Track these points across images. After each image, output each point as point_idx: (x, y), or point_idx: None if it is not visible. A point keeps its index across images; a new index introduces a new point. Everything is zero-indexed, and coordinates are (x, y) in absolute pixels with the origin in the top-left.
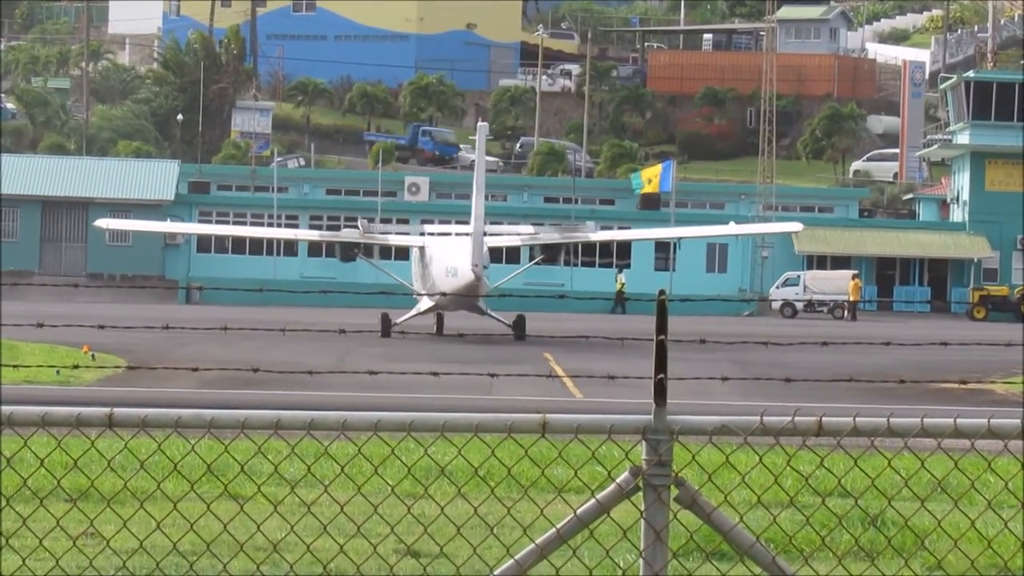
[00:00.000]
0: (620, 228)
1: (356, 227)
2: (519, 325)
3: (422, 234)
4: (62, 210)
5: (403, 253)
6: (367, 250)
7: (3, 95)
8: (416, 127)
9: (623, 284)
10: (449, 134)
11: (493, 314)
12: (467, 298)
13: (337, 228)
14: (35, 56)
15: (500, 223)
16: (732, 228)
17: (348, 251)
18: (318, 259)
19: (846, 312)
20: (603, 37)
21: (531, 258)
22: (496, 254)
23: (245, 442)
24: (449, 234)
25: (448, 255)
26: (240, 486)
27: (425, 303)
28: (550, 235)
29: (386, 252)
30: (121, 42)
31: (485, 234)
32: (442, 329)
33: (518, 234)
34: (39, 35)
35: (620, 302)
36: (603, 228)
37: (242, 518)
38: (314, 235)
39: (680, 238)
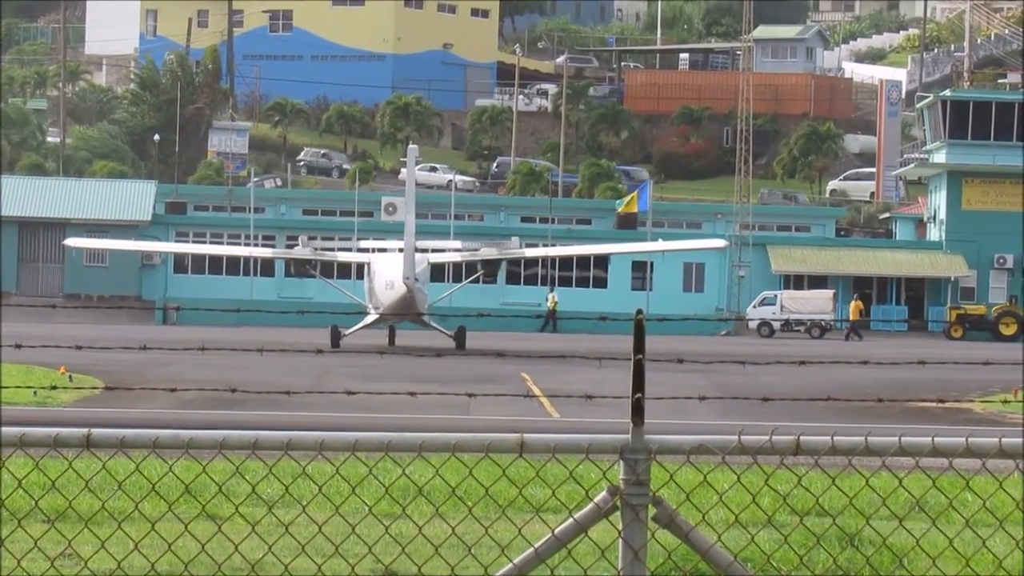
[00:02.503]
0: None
1: (310, 245)
2: (460, 336)
3: (363, 251)
4: (39, 231)
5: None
6: (324, 268)
7: None
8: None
9: (555, 302)
10: (642, 172)
11: (436, 325)
12: (405, 309)
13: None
14: (12, 77)
15: (488, 242)
16: (660, 245)
17: (300, 267)
18: (295, 279)
19: (850, 334)
20: (579, 56)
21: (470, 274)
22: (440, 270)
23: (223, 462)
24: (389, 250)
25: (386, 270)
26: (218, 506)
27: (371, 316)
28: (489, 251)
29: (345, 270)
30: (98, 63)
31: (423, 250)
32: (394, 340)
33: (454, 250)
34: (16, 56)
35: (551, 319)
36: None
37: (220, 539)
38: (267, 252)
39: (610, 254)
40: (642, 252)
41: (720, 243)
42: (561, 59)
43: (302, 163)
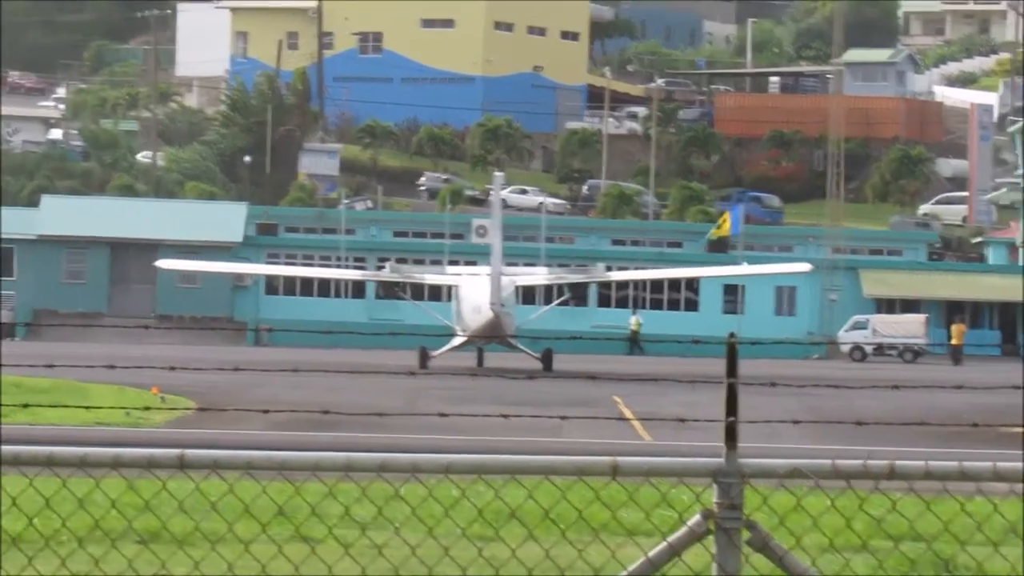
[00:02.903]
0: (691, 268)
1: (398, 267)
2: (547, 359)
3: (455, 274)
4: (131, 252)
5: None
6: (415, 290)
7: (71, 135)
8: (742, 193)
9: (639, 324)
10: (775, 199)
11: (523, 347)
12: (492, 332)
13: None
14: (104, 98)
15: (567, 265)
16: (745, 269)
17: (389, 289)
18: (386, 301)
19: (956, 359)
20: (673, 79)
21: (559, 296)
22: (529, 292)
23: (316, 484)
24: (479, 274)
25: (473, 294)
26: (311, 528)
27: (458, 338)
28: (575, 275)
29: (436, 292)
30: (189, 84)
31: (511, 274)
32: (482, 362)
33: (537, 275)
34: (108, 77)
35: (635, 343)
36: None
37: (313, 560)
38: (355, 274)
39: (696, 278)
40: (728, 276)
41: (805, 268)
42: (659, 82)
43: (423, 188)
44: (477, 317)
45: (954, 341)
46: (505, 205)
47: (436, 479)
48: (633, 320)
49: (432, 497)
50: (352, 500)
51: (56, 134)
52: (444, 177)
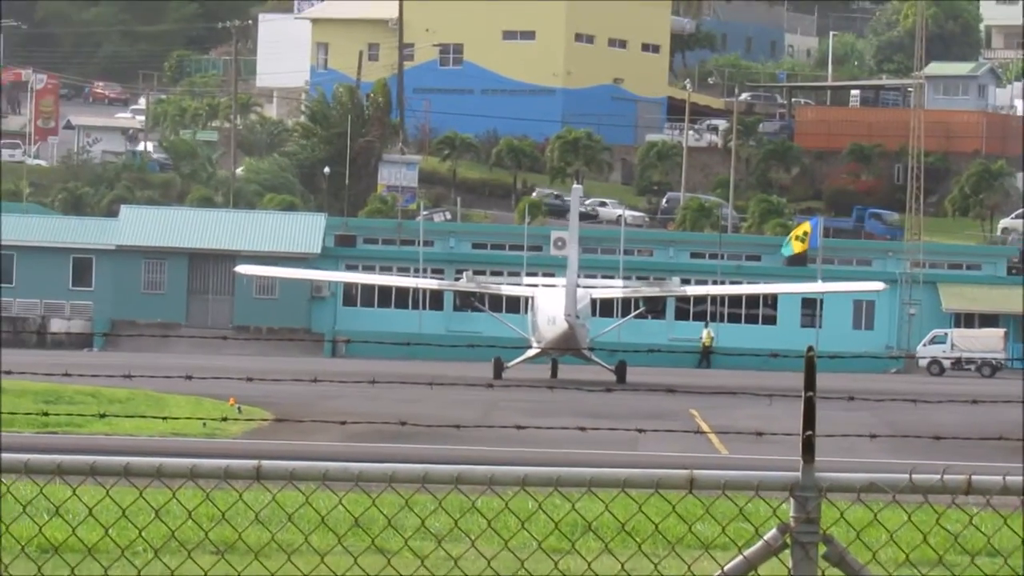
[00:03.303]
0: (766, 284)
1: (474, 278)
2: (620, 371)
3: (531, 285)
4: (209, 263)
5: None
6: (492, 302)
7: (152, 146)
8: (862, 210)
9: (711, 338)
10: (894, 215)
11: (596, 359)
12: (566, 344)
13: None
14: (183, 108)
15: (646, 278)
16: (819, 286)
17: (466, 300)
18: (464, 313)
19: None
20: (757, 92)
21: (634, 309)
22: (605, 305)
23: (392, 496)
24: (555, 286)
25: (548, 305)
26: (387, 540)
27: (533, 349)
28: (650, 288)
29: (514, 304)
30: (269, 95)
31: (587, 286)
32: (556, 373)
33: (612, 288)
34: (188, 88)
35: (706, 356)
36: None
37: (388, 572)
38: (432, 283)
39: (775, 294)
40: (801, 292)
41: (878, 287)
42: (744, 96)
43: (545, 206)
44: (552, 328)
45: None
46: (586, 217)
47: (512, 491)
48: (705, 334)
49: (508, 509)
50: (428, 512)
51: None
52: (555, 193)
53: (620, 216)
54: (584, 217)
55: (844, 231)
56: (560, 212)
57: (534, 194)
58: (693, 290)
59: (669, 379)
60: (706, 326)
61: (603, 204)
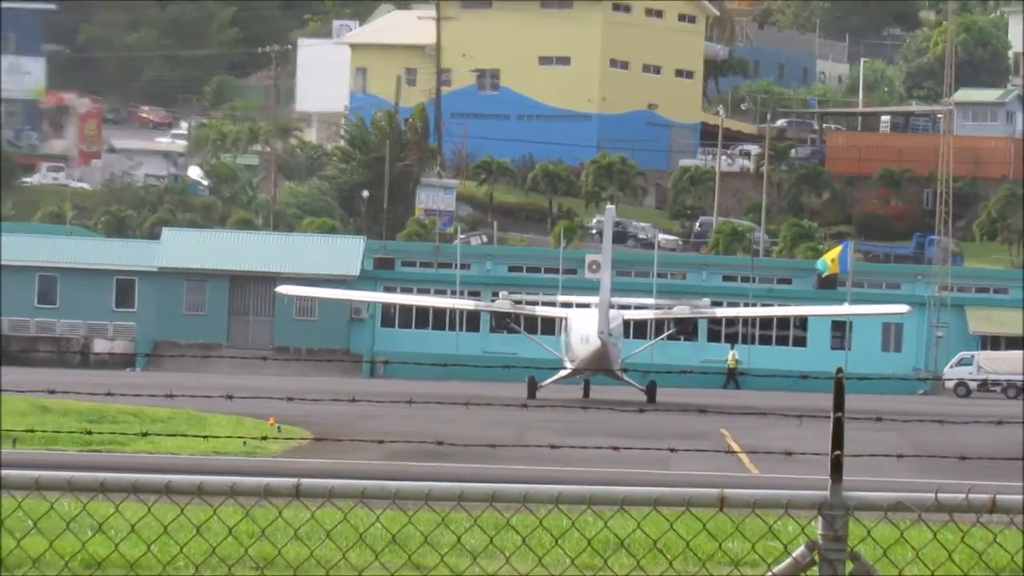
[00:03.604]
0: (794, 306)
1: (509, 299)
2: (651, 391)
3: (564, 306)
4: (249, 284)
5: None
6: (528, 323)
7: (193, 169)
8: (922, 237)
9: (736, 360)
10: (954, 242)
11: (628, 379)
12: (600, 363)
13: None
14: (224, 133)
15: (680, 300)
16: (845, 309)
17: (502, 321)
18: (499, 335)
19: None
20: (795, 118)
21: (665, 330)
22: (638, 327)
23: (428, 513)
24: (589, 306)
25: (581, 325)
26: (423, 557)
27: (565, 369)
28: (681, 309)
29: (549, 325)
30: (308, 119)
31: (623, 307)
32: (588, 393)
33: (649, 307)
34: (228, 112)
35: (732, 378)
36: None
37: None
38: (468, 304)
39: (804, 316)
40: (829, 315)
41: (903, 309)
42: (781, 123)
43: (594, 231)
44: (585, 347)
45: None
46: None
47: (546, 509)
48: (730, 356)
49: (542, 527)
50: (463, 529)
51: (196, 172)
52: (617, 220)
53: (652, 239)
54: (619, 238)
55: (904, 257)
56: (620, 238)
57: (595, 221)
58: (722, 312)
59: (700, 399)
60: (732, 348)
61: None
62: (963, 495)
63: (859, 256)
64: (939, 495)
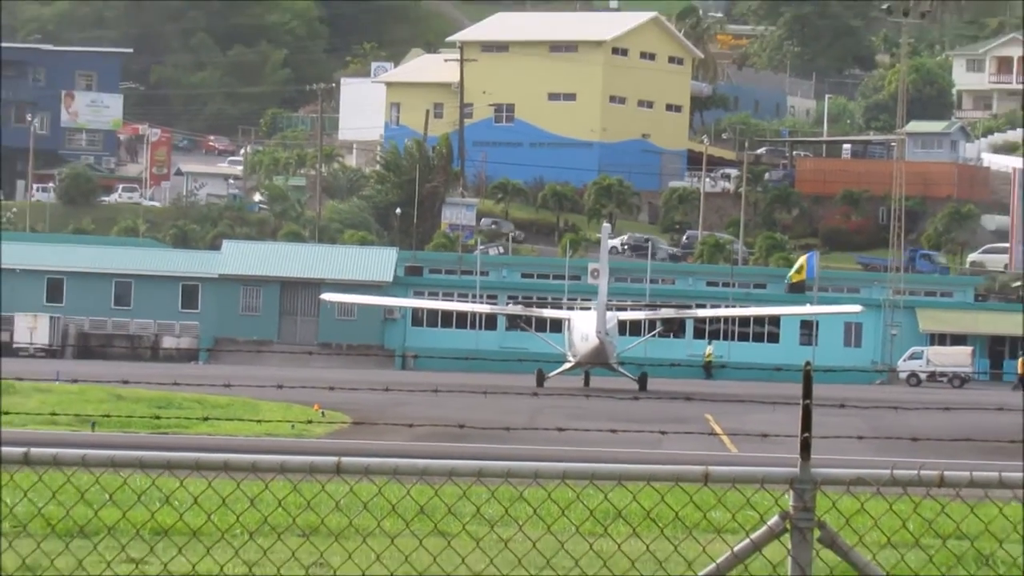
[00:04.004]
0: (765, 306)
1: (521, 303)
2: (643, 381)
3: (568, 308)
4: (298, 289)
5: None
6: (538, 323)
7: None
8: (914, 251)
9: (710, 354)
10: (941, 256)
11: (623, 371)
12: (598, 358)
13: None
14: (276, 158)
15: (670, 304)
16: (806, 309)
17: (514, 322)
18: (515, 332)
19: (1019, 384)
20: (757, 146)
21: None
22: (631, 325)
23: (452, 487)
24: (588, 309)
25: (582, 325)
26: (447, 525)
27: (568, 363)
28: (668, 311)
29: (555, 325)
30: (349, 147)
31: (620, 308)
32: (588, 383)
33: (640, 307)
34: (280, 141)
35: (707, 370)
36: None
37: (449, 552)
38: (485, 308)
39: (776, 316)
40: (794, 314)
41: (856, 309)
42: (755, 150)
43: (626, 246)
44: (585, 344)
45: (1021, 371)
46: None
47: (554, 484)
48: (707, 350)
49: (550, 499)
50: (482, 501)
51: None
52: (646, 238)
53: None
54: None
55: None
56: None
57: (627, 237)
58: (703, 312)
59: (686, 388)
60: (709, 344)
61: (647, 241)
62: (915, 472)
63: (859, 268)
64: (895, 472)
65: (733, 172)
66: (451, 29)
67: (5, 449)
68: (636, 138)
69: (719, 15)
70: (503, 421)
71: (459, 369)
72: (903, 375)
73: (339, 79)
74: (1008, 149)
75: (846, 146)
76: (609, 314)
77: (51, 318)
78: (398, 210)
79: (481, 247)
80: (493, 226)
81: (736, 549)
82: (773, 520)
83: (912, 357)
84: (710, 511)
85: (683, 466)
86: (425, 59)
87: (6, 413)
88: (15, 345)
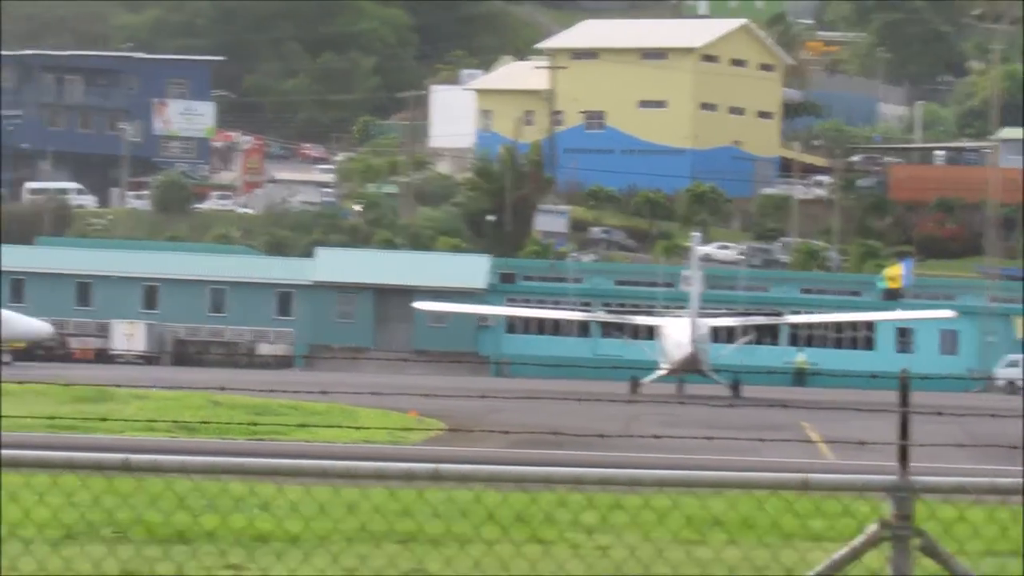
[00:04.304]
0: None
1: (614, 310)
2: (736, 388)
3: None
4: (391, 296)
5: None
6: (633, 331)
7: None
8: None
9: (803, 361)
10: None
11: (716, 378)
12: (692, 365)
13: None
14: (369, 166)
15: (762, 311)
16: (897, 314)
17: (607, 328)
18: (608, 339)
19: None
20: (849, 152)
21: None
22: (727, 333)
23: (549, 494)
24: (680, 316)
25: (674, 332)
26: (544, 532)
27: (661, 370)
28: (759, 318)
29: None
30: (441, 154)
31: (712, 315)
32: (682, 390)
33: (734, 314)
34: (373, 148)
35: (800, 378)
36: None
37: (547, 559)
38: (577, 315)
39: (872, 322)
40: (885, 319)
41: (949, 314)
42: (846, 156)
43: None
44: (678, 351)
45: None
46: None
47: (651, 491)
48: (799, 357)
49: (648, 506)
50: (580, 508)
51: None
52: (723, 245)
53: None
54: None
55: (1016, 277)
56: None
57: (713, 245)
58: (794, 318)
59: (781, 395)
60: (800, 351)
61: (725, 247)
62: (1016, 480)
63: (978, 276)
64: (994, 480)
65: (826, 179)
66: (539, 37)
67: (106, 455)
68: (727, 145)
69: (809, 21)
70: (598, 428)
71: (553, 376)
72: (1000, 383)
73: (429, 87)
74: None
75: (939, 153)
76: (701, 321)
77: (147, 325)
78: (491, 217)
79: (574, 254)
80: (604, 235)
81: (835, 557)
82: (872, 528)
83: (1009, 365)
84: (808, 519)
85: (782, 474)
86: (515, 67)
87: (103, 420)
88: (111, 352)
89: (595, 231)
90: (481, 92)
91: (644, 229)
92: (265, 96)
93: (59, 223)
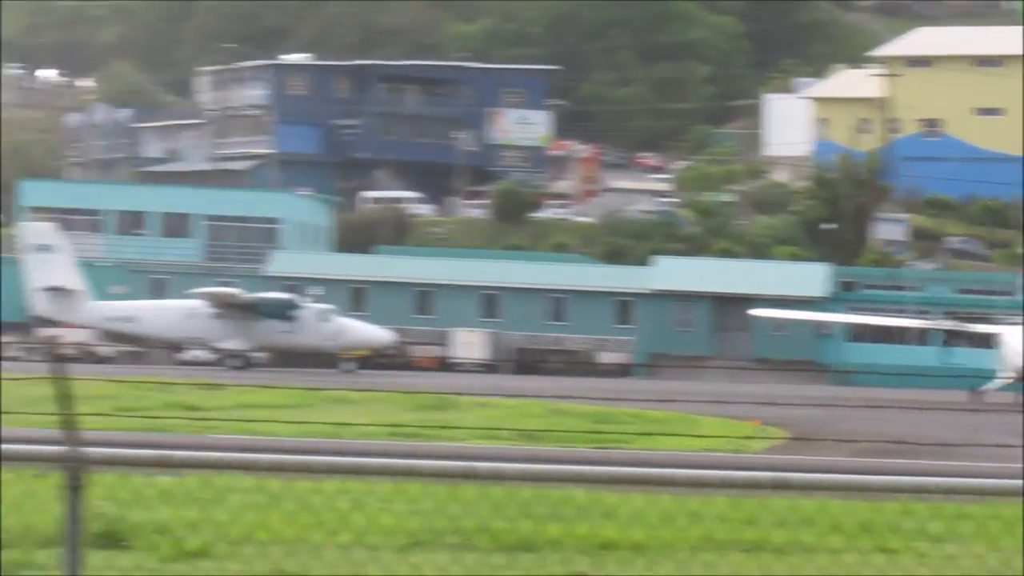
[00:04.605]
0: None
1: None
2: None
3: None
4: (730, 304)
5: None
6: (974, 339)
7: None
8: None
9: None
10: None
11: None
12: None
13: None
14: (705, 174)
15: None
16: None
17: (950, 337)
18: (951, 348)
19: None
20: None
21: None
22: None
23: (894, 504)
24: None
25: (1013, 340)
26: (890, 541)
27: (1000, 379)
28: None
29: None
30: (776, 162)
31: None
32: None
33: None
34: (709, 157)
35: None
36: None
37: (892, 569)
38: (912, 322)
39: None
40: None
41: None
42: None
43: (948, 249)
44: (1019, 359)
45: None
46: None
47: (1001, 501)
48: None
49: (996, 516)
50: (926, 518)
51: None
52: (964, 239)
53: None
54: None
55: None
56: None
57: (956, 241)
58: None
59: None
60: None
61: None
62: None
63: None
64: None
65: None
66: (871, 45)
67: (450, 463)
68: None
69: None
70: (941, 437)
71: (896, 385)
72: None
73: (762, 95)
74: None
75: None
76: None
77: (487, 333)
78: (826, 225)
79: (913, 262)
80: (962, 245)
81: None
82: None
83: None
84: None
85: None
86: (850, 75)
87: (443, 427)
88: (451, 360)
89: (951, 240)
90: (817, 100)
91: (986, 238)
92: (599, 105)
93: (397, 232)
